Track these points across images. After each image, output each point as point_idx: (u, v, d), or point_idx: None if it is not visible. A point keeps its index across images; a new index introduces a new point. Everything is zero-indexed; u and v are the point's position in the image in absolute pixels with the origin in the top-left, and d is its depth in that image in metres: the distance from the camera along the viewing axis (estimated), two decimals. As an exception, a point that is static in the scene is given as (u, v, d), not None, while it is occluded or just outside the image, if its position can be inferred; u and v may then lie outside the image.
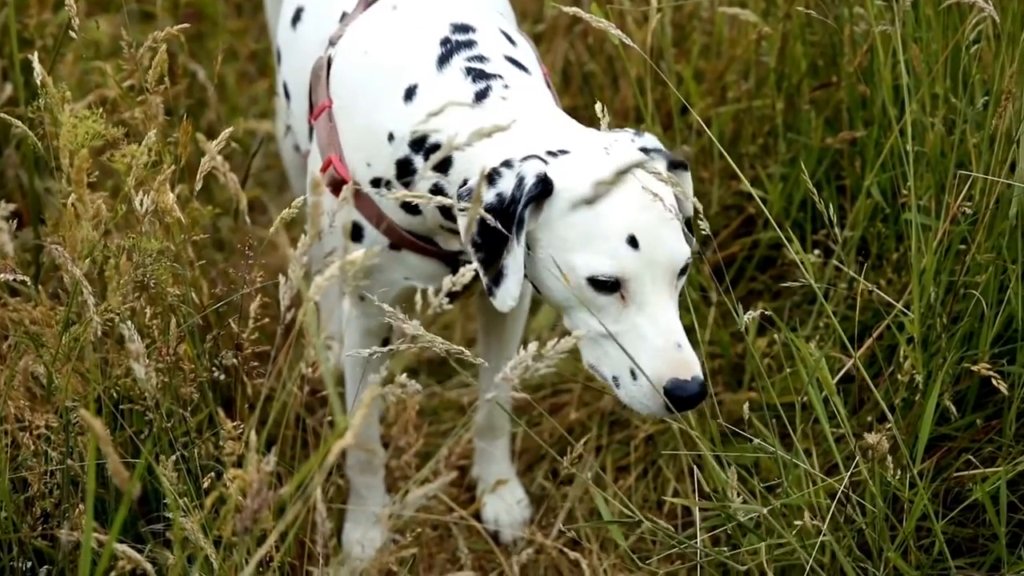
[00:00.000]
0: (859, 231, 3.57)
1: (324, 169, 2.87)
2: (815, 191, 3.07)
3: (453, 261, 2.92)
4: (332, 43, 2.96)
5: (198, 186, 2.76)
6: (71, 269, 2.62)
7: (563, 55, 4.33)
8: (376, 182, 2.85)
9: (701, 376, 2.62)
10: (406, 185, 2.80)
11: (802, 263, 3.07)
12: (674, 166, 2.73)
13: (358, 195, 2.85)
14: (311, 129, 2.99)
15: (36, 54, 2.92)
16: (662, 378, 2.60)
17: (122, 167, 2.70)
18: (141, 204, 2.77)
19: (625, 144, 2.71)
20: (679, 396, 2.60)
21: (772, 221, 3.05)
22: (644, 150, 2.71)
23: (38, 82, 2.88)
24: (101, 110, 2.76)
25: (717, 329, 3.72)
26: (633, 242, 2.58)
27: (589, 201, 2.59)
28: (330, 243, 2.96)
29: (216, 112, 4.23)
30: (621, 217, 2.59)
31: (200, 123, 4.14)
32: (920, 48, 3.31)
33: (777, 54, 3.78)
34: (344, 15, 3.03)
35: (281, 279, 2.50)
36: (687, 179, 2.76)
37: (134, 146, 2.72)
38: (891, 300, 3.18)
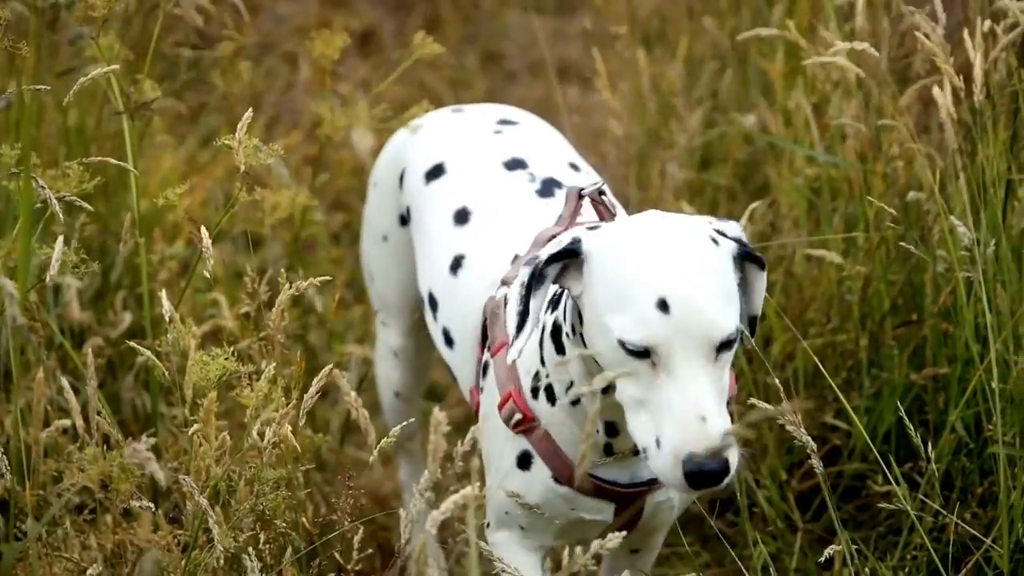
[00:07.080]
0: (943, 464, 3.65)
1: (502, 405, 2.92)
2: (910, 425, 3.16)
3: (619, 498, 2.94)
4: (505, 283, 3.01)
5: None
6: (198, 499, 2.76)
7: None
8: (535, 388, 2.90)
9: (726, 454, 2.54)
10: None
11: (893, 492, 3.15)
12: (750, 259, 2.70)
13: (528, 425, 2.91)
14: (485, 368, 3.04)
15: (164, 291, 3.10)
16: (680, 451, 2.54)
17: (249, 403, 2.85)
18: (261, 436, 2.92)
19: (694, 220, 2.71)
20: (694, 472, 2.54)
21: (872, 446, 3.13)
22: (720, 233, 2.66)
23: (166, 317, 3.05)
24: (230, 349, 2.91)
25: (803, 558, 3.78)
26: (663, 306, 2.55)
27: (623, 261, 2.61)
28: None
29: (316, 337, 4.41)
30: (653, 279, 2.56)
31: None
32: (1004, 289, 3.43)
33: (860, 293, 3.91)
34: (516, 256, 3.06)
35: (402, 513, 2.62)
36: (762, 278, 2.73)
37: (260, 383, 2.87)
38: (978, 534, 3.24)
